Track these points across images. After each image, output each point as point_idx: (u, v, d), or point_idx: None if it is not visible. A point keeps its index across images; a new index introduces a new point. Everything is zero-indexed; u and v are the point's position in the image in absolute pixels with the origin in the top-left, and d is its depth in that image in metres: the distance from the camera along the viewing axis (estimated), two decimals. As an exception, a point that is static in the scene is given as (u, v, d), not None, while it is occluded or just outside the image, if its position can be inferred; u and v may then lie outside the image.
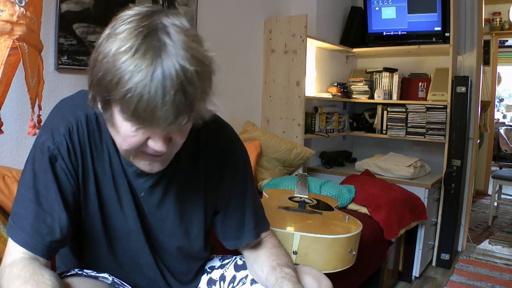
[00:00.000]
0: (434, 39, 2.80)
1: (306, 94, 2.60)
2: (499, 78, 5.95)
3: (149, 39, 0.61)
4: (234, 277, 0.99)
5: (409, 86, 3.07)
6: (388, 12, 2.96)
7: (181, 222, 0.91)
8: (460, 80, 2.69)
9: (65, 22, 1.57)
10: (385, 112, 3.04)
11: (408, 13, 2.88)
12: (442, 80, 2.86)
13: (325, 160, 3.01)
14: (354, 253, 1.49)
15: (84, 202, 0.83)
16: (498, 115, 7.05)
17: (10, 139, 1.48)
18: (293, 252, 1.40)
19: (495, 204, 4.02)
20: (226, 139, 0.95)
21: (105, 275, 0.86)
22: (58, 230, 0.75)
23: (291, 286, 0.83)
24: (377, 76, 3.12)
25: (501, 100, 7.58)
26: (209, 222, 0.97)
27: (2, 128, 1.14)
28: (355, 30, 3.14)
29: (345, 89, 3.14)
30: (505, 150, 6.33)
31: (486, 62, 4.96)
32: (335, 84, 3.06)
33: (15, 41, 1.01)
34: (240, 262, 1.02)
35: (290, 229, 1.43)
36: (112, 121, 0.69)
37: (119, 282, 0.87)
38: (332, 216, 1.65)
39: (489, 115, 4.97)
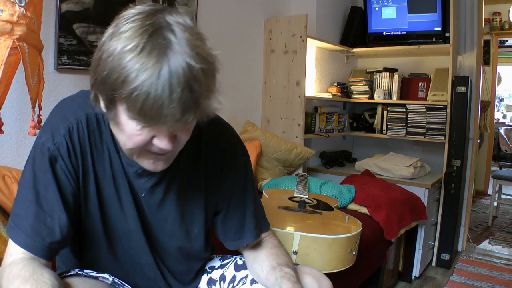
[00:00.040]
0: (434, 39, 2.80)
1: (306, 94, 2.60)
2: (499, 78, 5.95)
3: (155, 38, 0.61)
4: (234, 277, 0.99)
5: (409, 86, 3.07)
6: (388, 12, 2.96)
7: (181, 222, 0.91)
8: (460, 80, 2.68)
9: (65, 22, 1.58)
10: (385, 112, 3.04)
11: (408, 13, 2.88)
12: (442, 80, 2.86)
13: (325, 160, 3.01)
14: (354, 253, 1.49)
15: (84, 203, 0.83)
16: (498, 115, 7.05)
17: (10, 139, 1.48)
18: (293, 252, 1.40)
19: (495, 204, 4.02)
20: (226, 140, 0.95)
21: (105, 275, 0.85)
22: (58, 231, 0.75)
23: (290, 285, 0.83)
24: (377, 76, 3.12)
25: (501, 100, 7.58)
26: (210, 222, 0.97)
27: (2, 128, 1.14)
28: (355, 30, 3.14)
29: (345, 89, 3.14)
30: (505, 150, 6.33)
31: (486, 62, 4.96)
32: (335, 84, 3.06)
33: (15, 41, 1.01)
34: (240, 262, 1.02)
35: (290, 229, 1.43)
36: (116, 120, 0.68)
37: (119, 282, 0.87)
38: (332, 216, 1.65)
39: (489, 115, 4.97)
